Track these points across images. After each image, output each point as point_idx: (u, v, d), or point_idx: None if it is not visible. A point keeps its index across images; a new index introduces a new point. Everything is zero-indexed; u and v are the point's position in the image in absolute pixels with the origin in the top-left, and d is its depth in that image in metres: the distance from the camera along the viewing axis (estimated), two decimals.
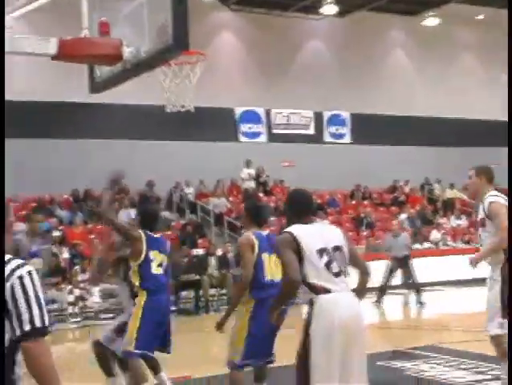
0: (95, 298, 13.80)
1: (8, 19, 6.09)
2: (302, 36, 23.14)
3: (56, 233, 16.00)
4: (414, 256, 15.05)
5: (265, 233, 5.60)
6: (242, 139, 21.99)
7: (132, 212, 17.88)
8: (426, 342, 9.38)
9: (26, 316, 2.61)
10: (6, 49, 5.75)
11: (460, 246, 19.33)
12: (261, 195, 20.30)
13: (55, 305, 13.44)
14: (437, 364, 7.62)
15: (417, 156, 23.11)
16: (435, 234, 19.84)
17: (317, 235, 4.18)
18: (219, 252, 15.79)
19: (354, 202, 21.94)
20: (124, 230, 6.04)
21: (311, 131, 22.96)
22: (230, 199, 20.18)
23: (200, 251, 16.44)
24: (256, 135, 22.18)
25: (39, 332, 2.63)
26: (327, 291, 4.07)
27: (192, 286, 14.80)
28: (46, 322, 2.67)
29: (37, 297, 2.65)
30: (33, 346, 2.62)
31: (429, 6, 23.23)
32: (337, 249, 4.18)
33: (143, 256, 5.93)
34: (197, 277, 14.80)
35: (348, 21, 23.09)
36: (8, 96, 18.02)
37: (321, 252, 4.10)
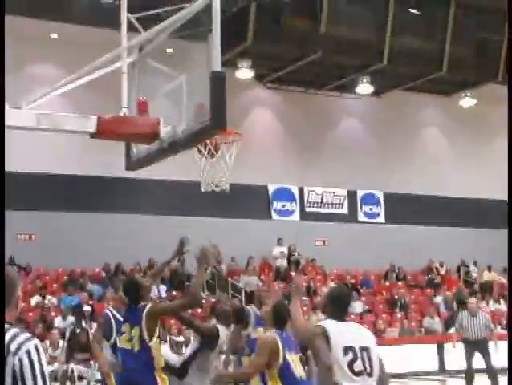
0: None
1: (50, 97, 6.17)
2: (337, 114, 23.28)
3: (86, 308, 15.84)
4: (451, 340, 14.27)
5: (284, 332, 5.56)
6: (275, 216, 21.90)
7: (162, 289, 17.72)
8: None
9: None
10: (47, 126, 5.80)
11: (499, 332, 18.64)
12: (292, 273, 20.01)
13: (84, 383, 13.18)
14: None
15: (453, 237, 22.71)
16: None
17: (347, 333, 4.43)
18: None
19: (388, 283, 21.50)
20: None
21: (345, 210, 22.81)
22: (262, 277, 19.93)
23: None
24: (289, 213, 22.09)
25: None
26: None
27: None
28: None
29: (42, 371, 2.86)
30: None
31: (465, 86, 23.22)
32: (364, 349, 4.39)
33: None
34: None
35: (384, 100, 23.25)
36: (44, 170, 18.00)
37: (347, 350, 4.33)
